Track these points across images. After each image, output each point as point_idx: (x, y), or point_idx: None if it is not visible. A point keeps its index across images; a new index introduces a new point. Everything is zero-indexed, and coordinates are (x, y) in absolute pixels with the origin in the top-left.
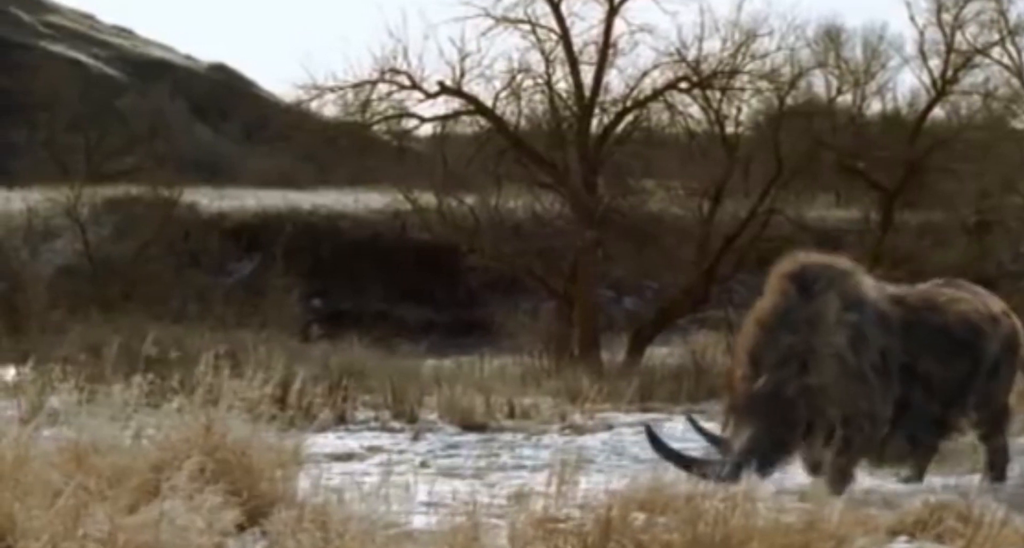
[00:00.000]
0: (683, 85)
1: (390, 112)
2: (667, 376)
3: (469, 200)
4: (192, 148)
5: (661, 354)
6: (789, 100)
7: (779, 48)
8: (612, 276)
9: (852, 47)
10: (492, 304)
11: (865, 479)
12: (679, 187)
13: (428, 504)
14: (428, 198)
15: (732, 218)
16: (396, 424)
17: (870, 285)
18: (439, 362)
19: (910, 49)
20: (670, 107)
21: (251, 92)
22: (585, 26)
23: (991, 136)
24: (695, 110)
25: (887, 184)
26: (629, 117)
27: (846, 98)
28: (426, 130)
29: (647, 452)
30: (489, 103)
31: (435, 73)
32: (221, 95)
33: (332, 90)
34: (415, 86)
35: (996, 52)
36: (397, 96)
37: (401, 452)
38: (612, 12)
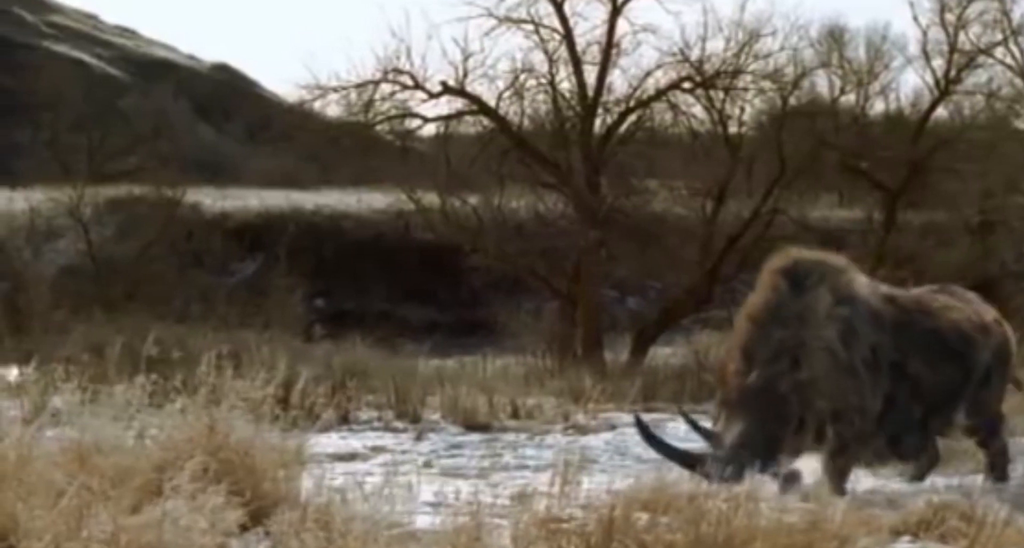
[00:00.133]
0: (686, 85)
1: (393, 112)
2: (670, 376)
3: (472, 200)
4: (195, 148)
5: (664, 354)
6: (792, 100)
7: (782, 48)
8: (615, 276)
9: (855, 47)
10: (495, 304)
11: (868, 479)
12: (682, 187)
13: (431, 504)
14: (431, 198)
15: (735, 218)
16: (399, 424)
17: (862, 282)
18: (442, 362)
19: (913, 49)
20: (673, 107)
21: (254, 92)
22: (588, 26)
23: (994, 136)
24: (698, 110)
25: (890, 184)
26: (632, 117)
27: (849, 98)
28: (429, 130)
29: (650, 452)
30: (492, 103)
31: (438, 73)
32: (224, 95)
33: (335, 90)
34: (418, 86)
35: (999, 52)
36: (400, 96)
37: (404, 452)
38: (615, 12)
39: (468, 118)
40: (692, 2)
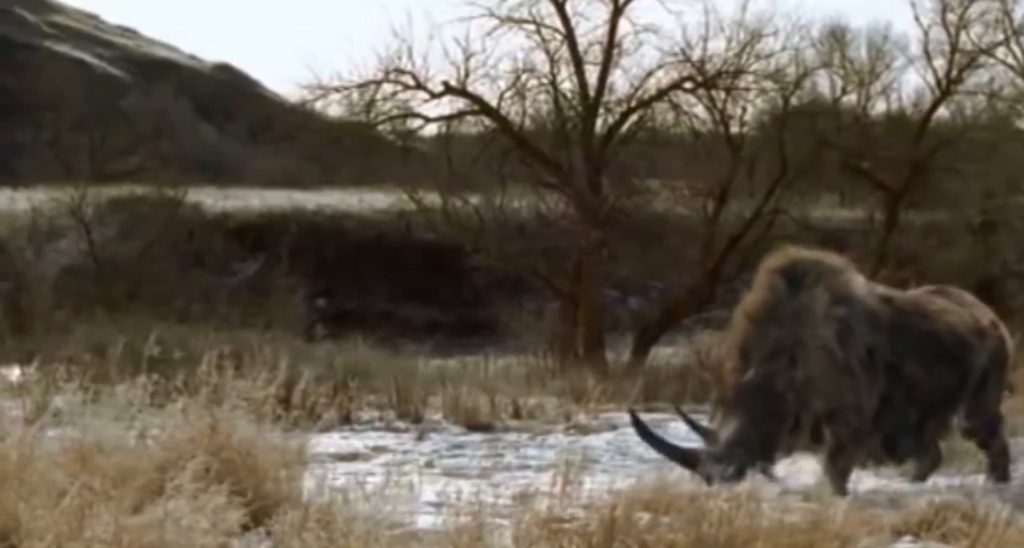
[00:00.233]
0: (688, 85)
1: (395, 112)
2: (672, 376)
3: (474, 200)
4: (196, 148)
5: (666, 354)
6: (794, 100)
7: (784, 48)
8: (617, 276)
9: (857, 47)
10: (497, 304)
11: (870, 479)
12: (684, 187)
13: (433, 504)
14: (433, 198)
15: (737, 218)
16: (401, 424)
17: (859, 283)
18: (444, 362)
19: (915, 49)
20: (675, 107)
21: (256, 92)
22: (590, 26)
23: (996, 136)
24: (700, 110)
25: (892, 184)
26: (634, 117)
27: (851, 98)
28: (431, 130)
29: (652, 452)
30: (494, 103)
31: (440, 73)
32: (226, 95)
33: (337, 90)
34: (420, 86)
35: (1001, 52)
36: (402, 96)
37: (406, 452)
38: (617, 12)
39: (470, 118)
40: (694, 2)
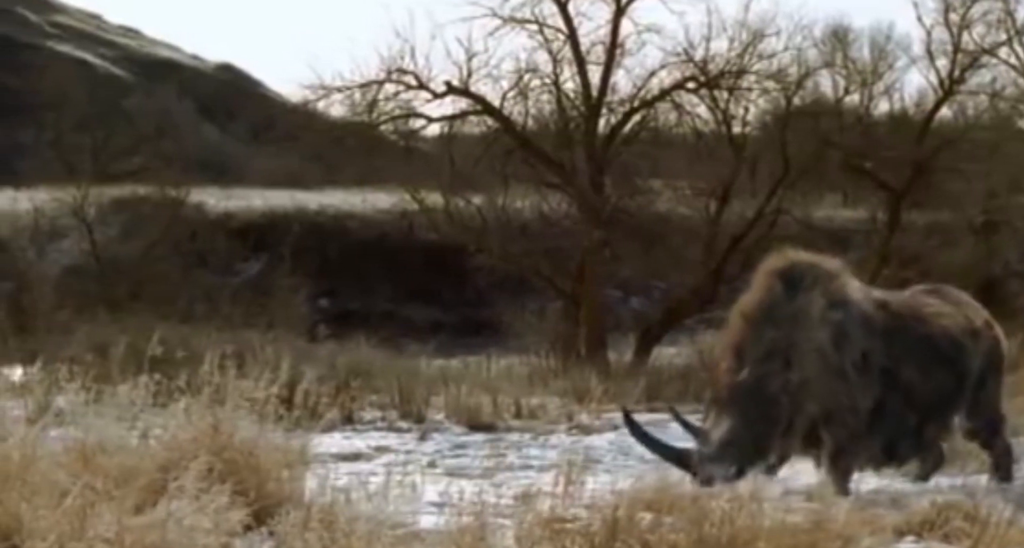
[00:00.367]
0: (690, 85)
1: (397, 112)
2: (674, 376)
3: (476, 200)
4: (199, 148)
5: (668, 354)
6: (796, 100)
7: (786, 48)
8: (619, 276)
9: (859, 47)
10: (499, 304)
11: (872, 479)
12: (686, 187)
13: (435, 504)
14: (435, 198)
15: (739, 218)
16: (403, 424)
17: (855, 287)
18: (446, 362)
19: (917, 49)
20: (677, 107)
21: (258, 92)
22: (592, 26)
23: (998, 136)
24: (702, 110)
25: (894, 184)
26: (636, 117)
27: (853, 98)
28: (433, 130)
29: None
30: (496, 103)
31: (442, 73)
32: (228, 95)
33: (339, 90)
34: (422, 86)
35: (1003, 52)
36: (404, 96)
37: (408, 452)
38: (619, 12)
39: (472, 118)
40: (696, 2)
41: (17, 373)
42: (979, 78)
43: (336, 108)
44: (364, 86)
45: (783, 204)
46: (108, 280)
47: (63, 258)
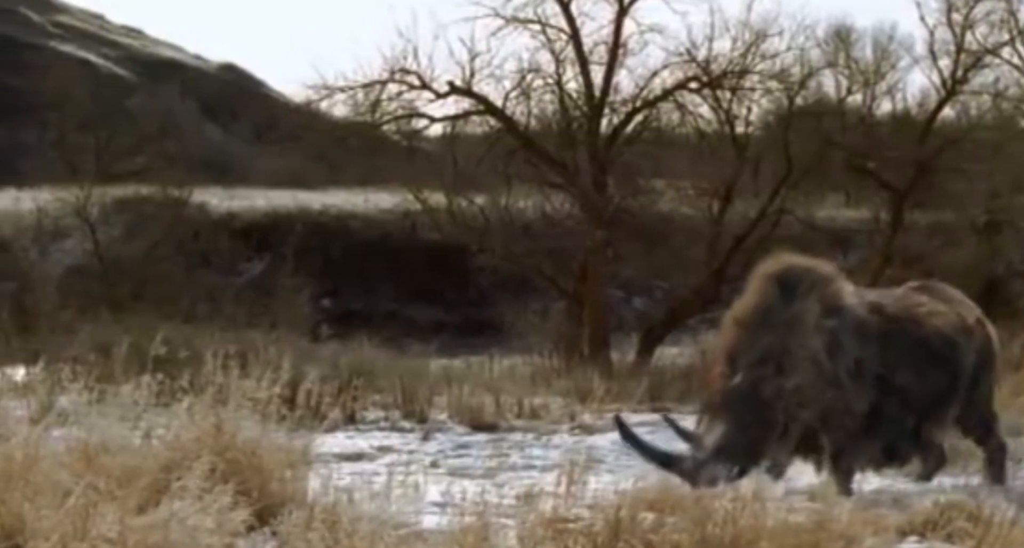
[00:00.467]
0: (693, 85)
1: (400, 112)
2: (677, 376)
3: (479, 200)
4: (202, 148)
5: (671, 354)
6: (799, 100)
7: (789, 48)
8: (622, 276)
9: (862, 47)
10: (502, 304)
11: (874, 479)
12: (689, 187)
13: (438, 504)
14: (438, 198)
15: (742, 218)
16: (406, 424)
17: (849, 291)
18: (449, 362)
19: (920, 49)
20: (680, 107)
21: (261, 92)
22: (595, 26)
23: (1001, 136)
24: (705, 110)
25: (897, 184)
26: (639, 117)
27: (856, 98)
28: (436, 130)
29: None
30: (499, 103)
31: (445, 73)
32: (231, 95)
33: (342, 90)
34: (425, 86)
35: (1006, 52)
36: (407, 96)
37: (411, 452)
38: (622, 12)
39: (475, 118)
40: (699, 2)
41: (20, 373)
42: (982, 78)
43: (339, 108)
44: (367, 86)
45: (786, 204)
46: (111, 280)
47: (66, 258)
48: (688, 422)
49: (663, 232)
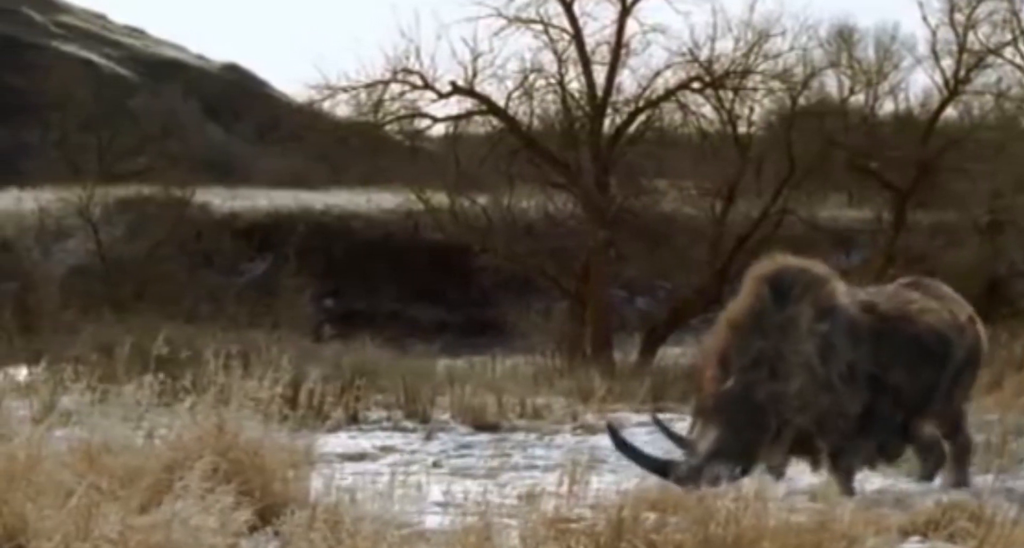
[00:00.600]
0: (695, 85)
1: (402, 112)
2: (679, 376)
3: (481, 200)
4: (204, 148)
5: (674, 354)
6: (801, 100)
7: (791, 48)
8: (624, 276)
9: (864, 47)
10: (504, 304)
11: (876, 479)
12: (691, 187)
13: (440, 504)
14: (440, 198)
15: (744, 218)
16: (408, 424)
17: (842, 292)
18: (452, 362)
19: (922, 49)
20: (682, 107)
21: (263, 92)
22: (597, 26)
23: (1003, 136)
24: (707, 110)
25: (899, 184)
26: (641, 117)
27: (858, 98)
28: (438, 130)
29: (657, 452)
30: (501, 103)
31: (447, 73)
32: (233, 95)
33: (344, 90)
34: (427, 86)
35: (1008, 52)
36: (409, 96)
37: (413, 452)
38: (624, 12)
39: (477, 118)
40: (701, 2)
41: (22, 373)
42: (984, 78)
43: (341, 108)
44: (369, 86)
45: (788, 204)
46: (113, 280)
47: (68, 258)
48: (688, 423)
49: (666, 232)
